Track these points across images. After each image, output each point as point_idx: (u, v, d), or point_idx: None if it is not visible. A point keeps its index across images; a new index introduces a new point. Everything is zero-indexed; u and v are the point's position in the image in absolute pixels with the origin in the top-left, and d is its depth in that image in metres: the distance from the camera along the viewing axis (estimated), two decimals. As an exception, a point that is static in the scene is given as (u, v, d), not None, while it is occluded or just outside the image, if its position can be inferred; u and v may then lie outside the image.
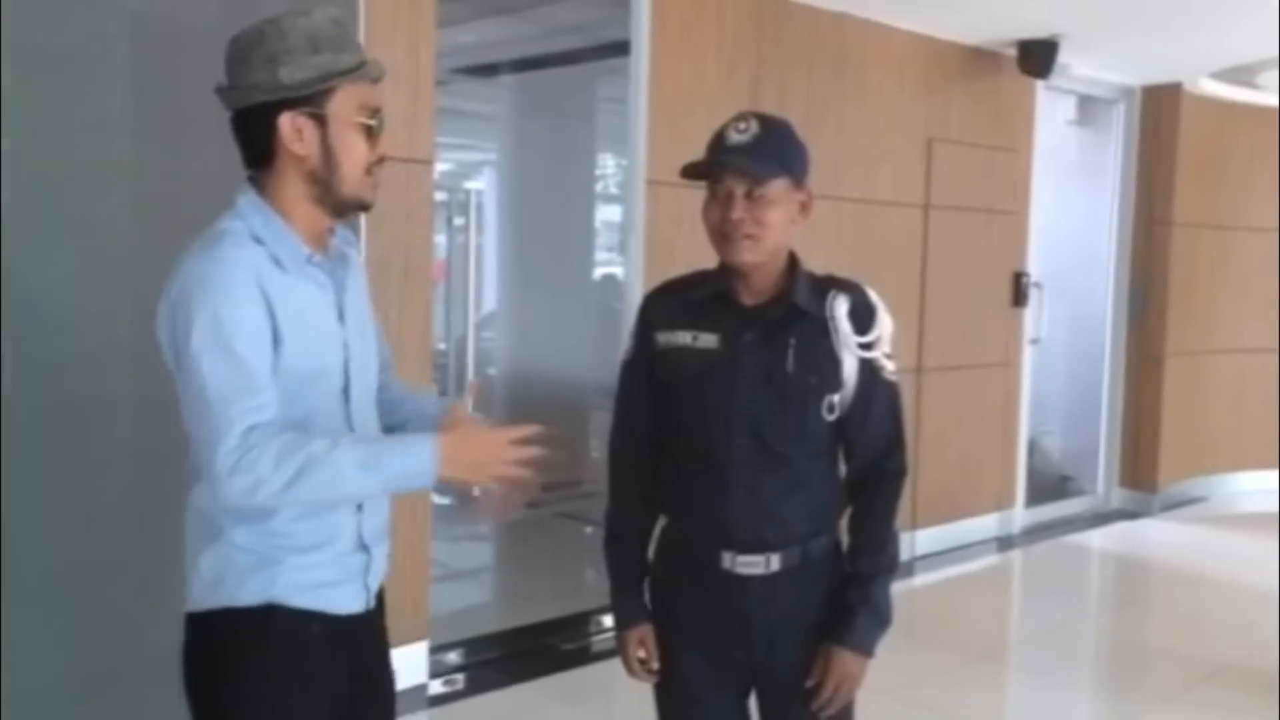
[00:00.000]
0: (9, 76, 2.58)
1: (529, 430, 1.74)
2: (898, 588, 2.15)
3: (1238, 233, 7.33)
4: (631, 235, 4.64)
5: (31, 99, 2.63)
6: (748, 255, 1.98)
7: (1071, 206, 7.10)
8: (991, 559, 6.21)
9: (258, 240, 1.71)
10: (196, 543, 1.77)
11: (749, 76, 4.89)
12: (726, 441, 2.03)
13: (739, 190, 1.96)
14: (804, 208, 2.04)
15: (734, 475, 2.03)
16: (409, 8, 3.76)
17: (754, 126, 1.97)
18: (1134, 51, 6.17)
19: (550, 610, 4.67)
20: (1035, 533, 6.59)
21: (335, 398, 1.79)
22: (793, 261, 2.08)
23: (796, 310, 2.03)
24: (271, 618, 1.74)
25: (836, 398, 2.04)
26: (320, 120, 1.72)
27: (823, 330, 2.03)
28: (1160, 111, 6.92)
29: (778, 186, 1.98)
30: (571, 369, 6.39)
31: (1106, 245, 7.10)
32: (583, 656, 4.40)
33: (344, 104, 1.73)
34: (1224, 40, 5.64)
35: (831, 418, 2.05)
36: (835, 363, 2.03)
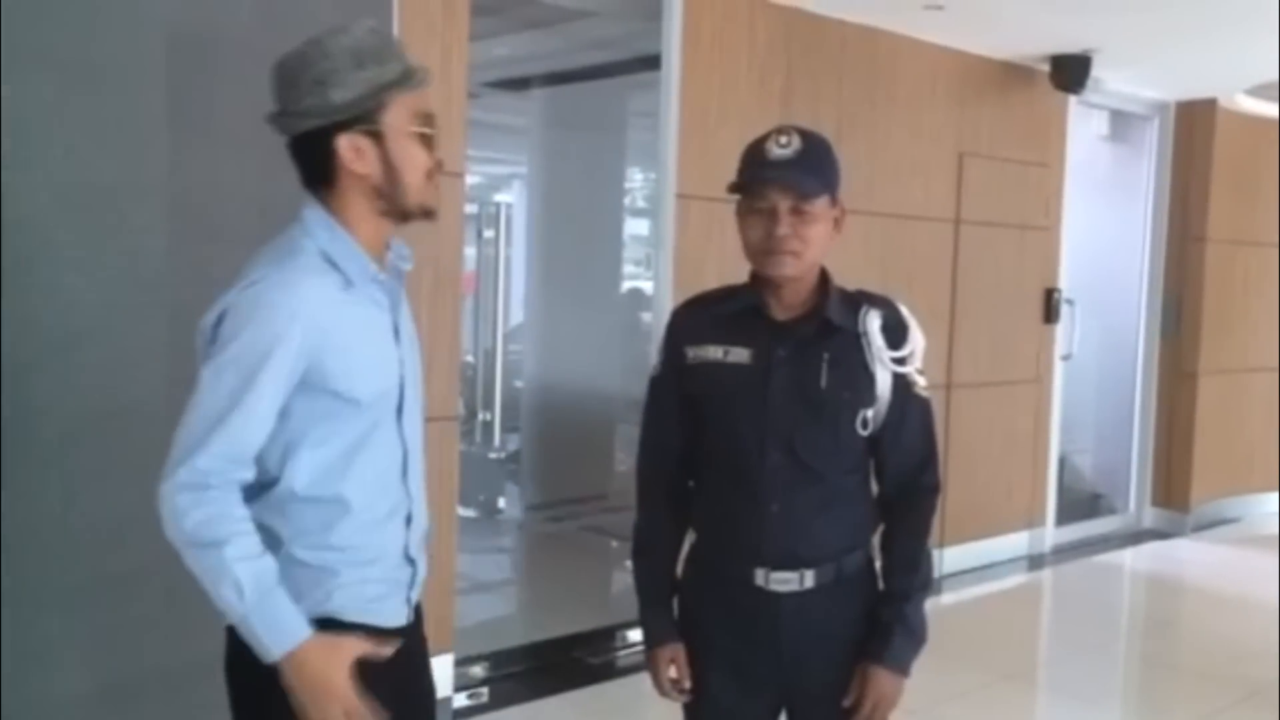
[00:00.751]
0: (46, 89, 2.61)
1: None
2: (925, 606, 2.13)
3: (1273, 249, 7.25)
4: (661, 250, 4.63)
5: (68, 111, 2.66)
6: (789, 270, 1.97)
7: (1104, 222, 7.03)
8: (1021, 578, 6.15)
9: (327, 258, 1.73)
10: None
11: (780, 91, 4.88)
12: (759, 457, 2.01)
13: (784, 205, 1.95)
14: (837, 223, 2.03)
15: (767, 491, 2.01)
16: (443, 20, 3.78)
17: (796, 141, 1.96)
18: (1168, 67, 6.12)
19: (575, 624, 4.66)
20: (1066, 552, 6.52)
21: (389, 414, 1.81)
22: (824, 276, 2.07)
23: (829, 325, 2.01)
24: (326, 631, 1.73)
25: (870, 413, 2.03)
26: (377, 136, 1.72)
27: (855, 345, 2.02)
28: (1194, 127, 6.86)
29: (820, 203, 1.97)
30: (598, 382, 6.39)
31: (1139, 261, 7.03)
32: (608, 671, 4.39)
33: (397, 115, 1.73)
34: (1259, 56, 5.58)
35: (865, 433, 2.04)
36: (869, 378, 2.02)
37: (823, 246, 2.00)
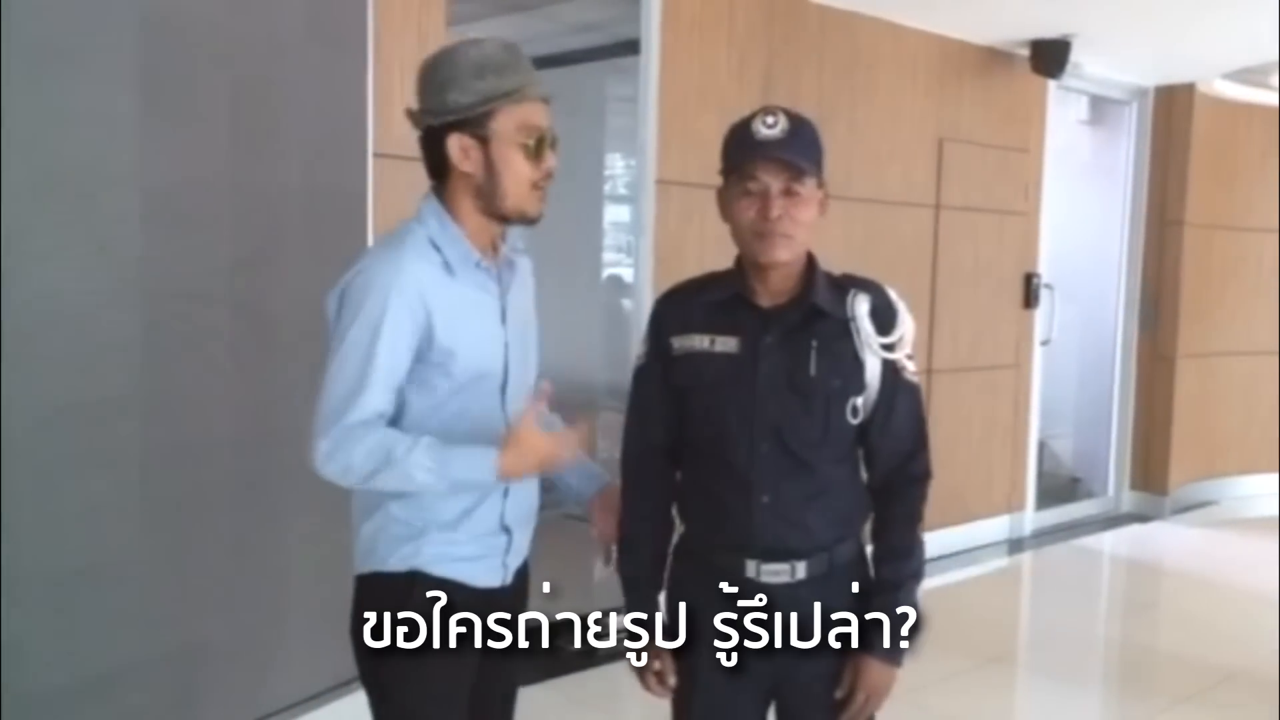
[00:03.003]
0: (15, 73, 2.56)
1: (572, 435, 1.98)
2: (918, 594, 2.11)
3: (1250, 234, 7.28)
4: (641, 236, 4.61)
5: (38, 96, 2.61)
6: (783, 253, 1.94)
7: (1083, 207, 7.05)
8: (1001, 562, 6.18)
9: (433, 245, 1.91)
10: (360, 512, 2.00)
11: (760, 75, 4.86)
12: (749, 448, 1.98)
13: (776, 186, 1.92)
14: (821, 206, 2.00)
15: (757, 482, 1.99)
16: (419, 5, 3.74)
17: (783, 121, 1.93)
18: (1147, 52, 6.13)
19: (558, 612, 4.64)
20: (1045, 536, 6.55)
21: (494, 393, 1.98)
22: (810, 261, 2.04)
23: (817, 311, 1.99)
24: (415, 583, 1.93)
25: (860, 400, 2.00)
26: (483, 140, 1.89)
27: (844, 331, 1.99)
28: (1173, 112, 6.88)
29: (810, 183, 1.94)
30: (579, 369, 6.36)
31: (1118, 246, 7.05)
32: (591, 658, 4.37)
33: (505, 124, 1.90)
34: (1238, 40, 5.60)
35: (855, 421, 2.01)
36: (858, 364, 1.99)
37: (812, 229, 1.97)
